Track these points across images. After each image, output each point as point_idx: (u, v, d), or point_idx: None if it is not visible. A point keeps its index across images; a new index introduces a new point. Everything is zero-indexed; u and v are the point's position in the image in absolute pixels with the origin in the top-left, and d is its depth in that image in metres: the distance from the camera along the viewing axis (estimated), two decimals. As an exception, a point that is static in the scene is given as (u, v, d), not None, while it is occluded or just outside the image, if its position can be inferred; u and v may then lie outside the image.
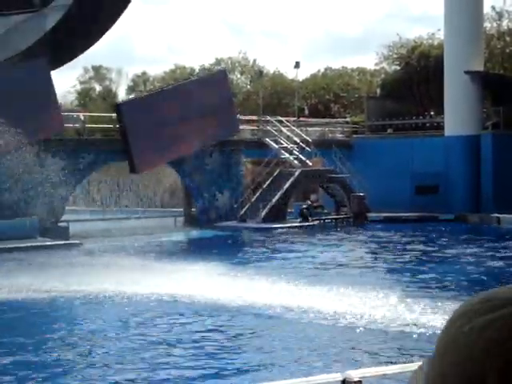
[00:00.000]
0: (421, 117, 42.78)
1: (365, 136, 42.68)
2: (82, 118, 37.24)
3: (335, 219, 36.87)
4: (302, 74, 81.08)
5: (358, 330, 13.90)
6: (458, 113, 37.93)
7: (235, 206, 36.38)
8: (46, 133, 31.41)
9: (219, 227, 34.79)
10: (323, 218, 36.64)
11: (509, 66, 48.20)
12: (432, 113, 43.13)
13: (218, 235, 33.00)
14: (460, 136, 37.77)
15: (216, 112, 35.45)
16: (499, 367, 0.76)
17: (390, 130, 42.13)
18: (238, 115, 39.30)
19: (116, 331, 14.72)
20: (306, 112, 53.27)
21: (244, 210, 36.11)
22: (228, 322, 15.27)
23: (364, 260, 25.22)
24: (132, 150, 32.61)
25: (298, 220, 35.89)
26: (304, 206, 36.50)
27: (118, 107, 34.03)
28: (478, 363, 0.78)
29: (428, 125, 41.74)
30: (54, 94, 32.72)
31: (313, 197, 37.71)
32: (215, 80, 37.47)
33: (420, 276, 20.99)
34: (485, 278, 20.42)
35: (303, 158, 37.87)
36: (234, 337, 14.16)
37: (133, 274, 20.67)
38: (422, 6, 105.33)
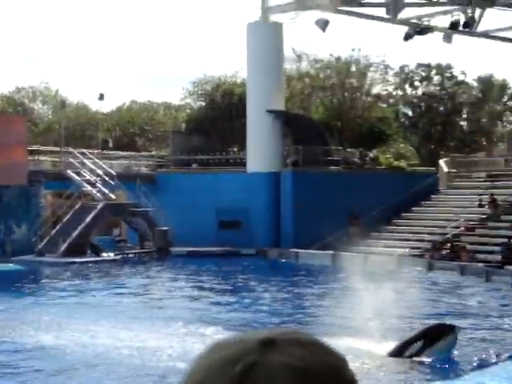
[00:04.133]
0: (224, 153, 43.45)
1: (169, 170, 42.66)
2: None
3: (138, 253, 36.41)
4: (107, 106, 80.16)
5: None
6: (260, 150, 38.92)
7: (33, 239, 34.95)
8: None
9: (15, 261, 33.22)
10: (126, 252, 36.05)
11: (307, 106, 50.29)
12: (235, 149, 43.97)
13: (11, 270, 31.54)
14: (262, 173, 38.73)
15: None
16: None
17: (194, 165, 42.40)
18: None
19: None
20: (111, 145, 52.55)
21: (43, 243, 34.76)
22: None
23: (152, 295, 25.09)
24: None
25: (90, 254, 34.95)
26: (93, 241, 35.57)
27: None
28: None
29: (232, 161, 42.46)
30: None
31: (115, 231, 37.05)
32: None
33: (212, 308, 21.27)
34: (270, 310, 21.01)
35: (106, 191, 37.18)
36: None
37: None
38: (225, 44, 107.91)
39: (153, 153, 49.01)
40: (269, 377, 0.80)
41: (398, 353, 15.17)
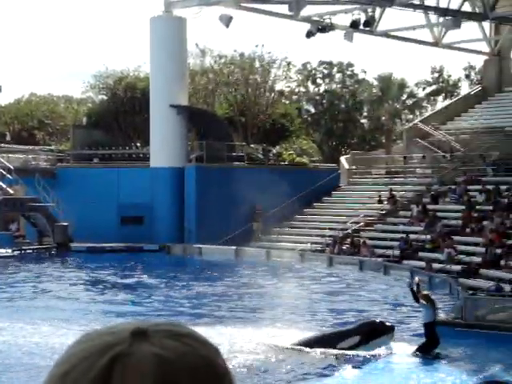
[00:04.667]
0: (127, 147, 42.90)
1: (70, 165, 41.82)
2: None
3: (37, 249, 35.57)
4: (5, 99, 77.95)
5: None
6: (164, 145, 38.62)
7: None
8: None
9: None
10: (24, 248, 35.17)
11: (211, 102, 50.23)
12: (138, 144, 43.49)
13: None
14: (165, 168, 38.45)
15: None
16: None
17: (96, 160, 41.69)
18: None
19: None
20: (9, 138, 51.10)
21: None
22: None
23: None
24: None
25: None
26: None
27: None
28: None
29: (134, 156, 41.98)
30: None
31: (13, 226, 36.09)
32: None
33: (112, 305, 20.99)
34: (162, 307, 21.07)
35: (3, 186, 36.14)
36: None
37: None
38: (128, 38, 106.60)
39: (53, 147, 47.91)
40: (137, 367, 0.79)
41: (316, 343, 15.33)
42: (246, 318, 19.75)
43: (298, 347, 15.33)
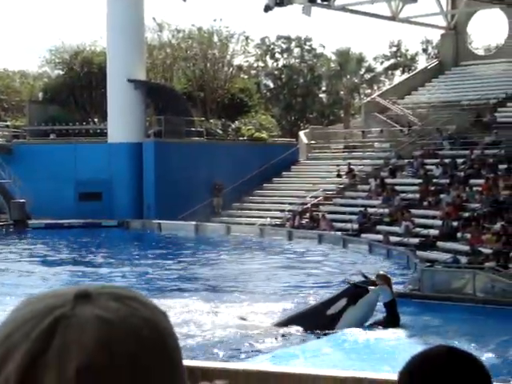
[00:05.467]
0: (84, 123, 42.46)
1: (26, 141, 41.31)
2: None
3: (-6, 227, 35.17)
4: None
5: None
6: (122, 120, 38.31)
7: None
8: None
9: None
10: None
11: (170, 77, 49.87)
12: (96, 119, 43.08)
13: None
14: (123, 143, 38.17)
15: None
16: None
17: (52, 136, 41.21)
18: None
19: None
20: (-37, 114, 50.21)
21: None
22: None
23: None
24: None
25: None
26: None
27: None
28: None
29: (92, 131, 41.58)
30: None
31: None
32: None
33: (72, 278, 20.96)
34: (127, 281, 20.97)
35: (-41, 163, 35.59)
36: None
37: None
38: (84, 12, 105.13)
39: (8, 123, 47.19)
40: (79, 329, 0.79)
41: (305, 317, 15.45)
42: (206, 290, 19.82)
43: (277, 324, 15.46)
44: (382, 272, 16.89)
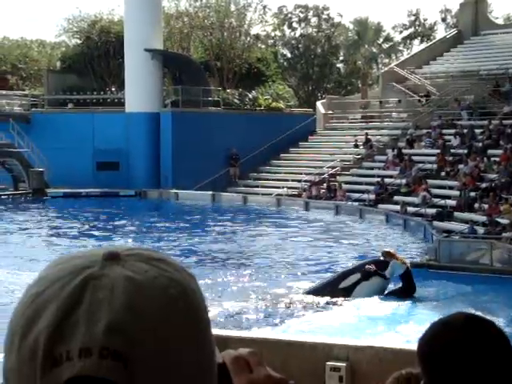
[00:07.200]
0: (102, 92, 42.51)
1: (44, 110, 41.43)
2: None
3: (12, 195, 35.44)
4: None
5: None
6: (139, 90, 38.31)
7: None
8: None
9: None
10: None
11: (186, 46, 49.71)
12: (113, 89, 43.09)
13: None
14: (140, 113, 38.20)
15: None
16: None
17: (70, 105, 41.32)
18: None
19: None
20: (-19, 83, 50.29)
21: None
22: None
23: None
24: None
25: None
26: None
27: None
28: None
29: (109, 101, 41.61)
30: None
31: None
32: None
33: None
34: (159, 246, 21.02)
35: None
36: None
37: None
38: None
39: (26, 92, 47.33)
40: (108, 289, 0.81)
41: (323, 289, 15.56)
42: (223, 261, 19.95)
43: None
44: (386, 249, 16.91)
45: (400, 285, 16.01)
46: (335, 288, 15.46)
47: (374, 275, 15.59)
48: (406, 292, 15.79)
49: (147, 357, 0.79)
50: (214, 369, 0.87)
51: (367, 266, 15.78)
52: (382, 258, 16.15)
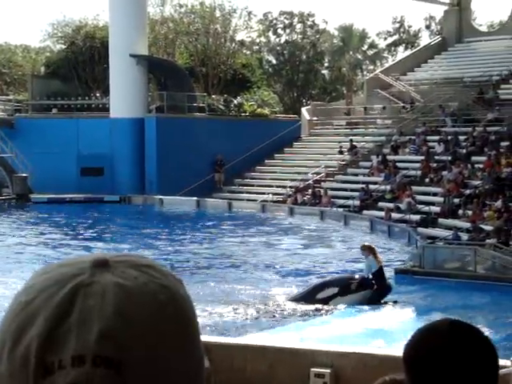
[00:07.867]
0: (86, 97, 42.39)
1: (29, 115, 41.27)
2: None
3: (-4, 201, 35.26)
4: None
5: None
6: (124, 95, 38.22)
7: None
8: None
9: None
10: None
11: (171, 52, 49.69)
12: (98, 94, 42.97)
13: None
14: (125, 118, 38.10)
15: None
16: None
17: (54, 110, 41.16)
18: None
19: None
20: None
21: None
22: None
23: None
24: None
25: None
26: None
27: None
28: None
29: (94, 106, 41.50)
30: None
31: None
32: None
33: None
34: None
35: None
36: None
37: None
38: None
39: (11, 97, 47.12)
40: (99, 296, 0.80)
41: (303, 297, 15.57)
42: (209, 267, 19.91)
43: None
44: (366, 243, 16.83)
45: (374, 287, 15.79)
46: (313, 298, 15.42)
47: (353, 293, 15.43)
48: (380, 291, 15.65)
49: (138, 362, 0.80)
50: (202, 374, 0.87)
51: (350, 281, 15.65)
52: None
